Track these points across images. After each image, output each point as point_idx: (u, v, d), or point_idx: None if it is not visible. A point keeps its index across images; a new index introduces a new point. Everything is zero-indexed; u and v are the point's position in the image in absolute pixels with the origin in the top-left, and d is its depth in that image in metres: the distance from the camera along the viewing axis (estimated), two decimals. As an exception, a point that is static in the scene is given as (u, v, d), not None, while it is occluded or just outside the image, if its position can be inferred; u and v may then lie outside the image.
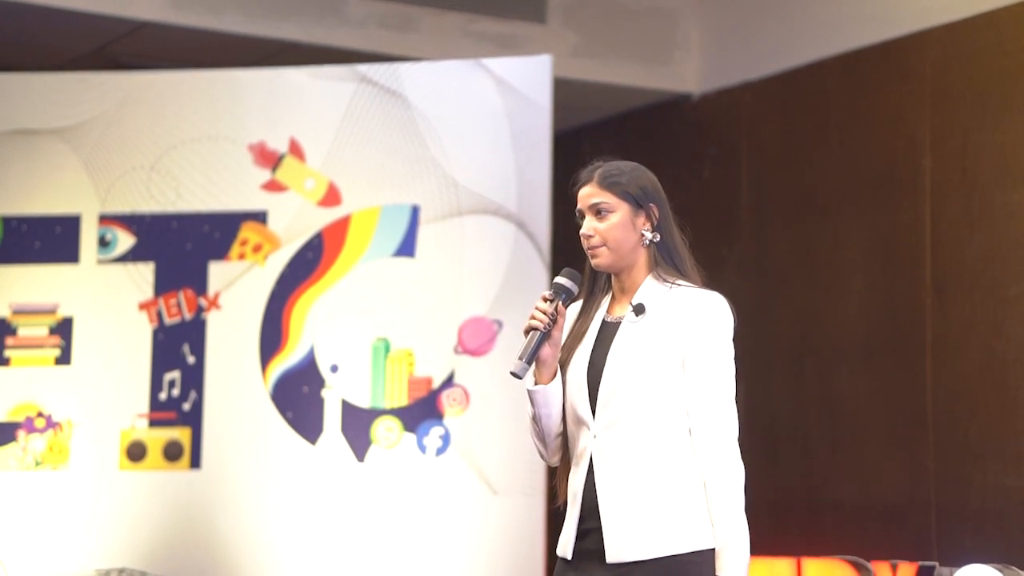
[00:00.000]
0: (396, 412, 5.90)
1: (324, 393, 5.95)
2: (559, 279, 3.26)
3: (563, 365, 3.27)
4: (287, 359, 5.98)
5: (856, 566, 5.40)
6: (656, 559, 3.09)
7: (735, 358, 3.27)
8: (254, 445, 5.96)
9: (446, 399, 5.89)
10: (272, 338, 6.00)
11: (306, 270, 6.03)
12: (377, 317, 5.97)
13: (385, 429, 5.91)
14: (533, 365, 3.23)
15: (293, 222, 6.06)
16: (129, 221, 6.14)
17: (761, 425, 6.79)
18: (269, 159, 6.10)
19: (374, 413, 5.92)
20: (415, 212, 6.01)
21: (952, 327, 6.09)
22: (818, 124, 6.78)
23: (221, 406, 5.99)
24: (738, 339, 3.43)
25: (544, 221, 5.95)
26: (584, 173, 3.28)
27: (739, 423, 3.37)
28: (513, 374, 3.19)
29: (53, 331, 6.09)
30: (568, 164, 8.06)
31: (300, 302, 6.01)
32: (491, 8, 6.98)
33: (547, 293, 3.24)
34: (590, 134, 7.97)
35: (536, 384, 3.25)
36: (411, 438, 5.89)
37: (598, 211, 3.23)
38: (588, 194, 3.25)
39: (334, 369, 5.96)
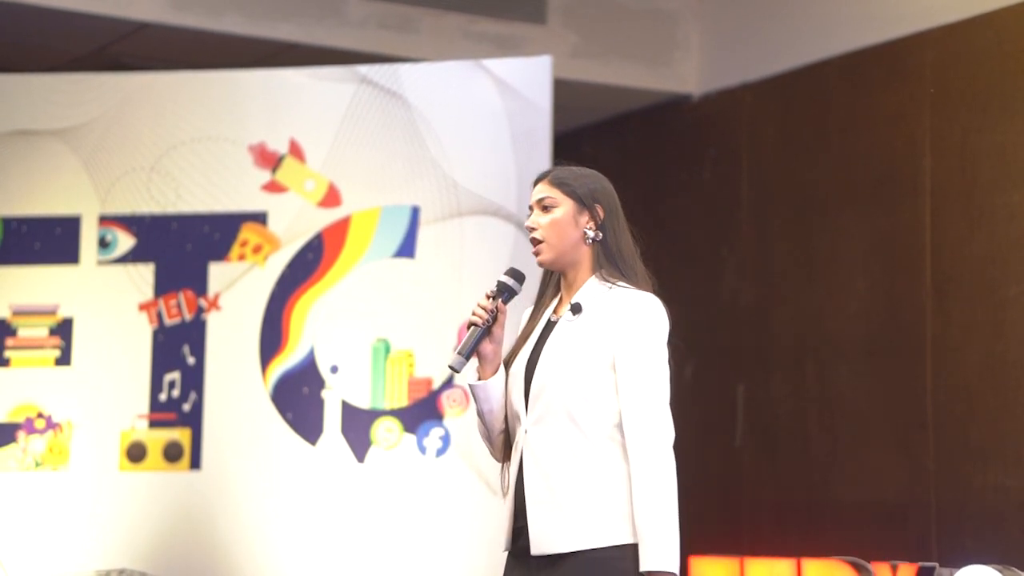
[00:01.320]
0: (396, 413, 5.90)
1: (324, 394, 5.96)
2: (502, 278, 3.37)
3: (508, 362, 3.37)
4: (287, 360, 5.98)
5: (856, 566, 5.40)
6: (579, 552, 3.16)
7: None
8: (254, 446, 5.96)
9: (446, 400, 5.89)
10: (272, 339, 6.00)
11: (306, 271, 6.03)
12: (377, 318, 5.97)
13: (385, 430, 5.91)
14: (473, 360, 3.32)
15: (293, 223, 6.07)
16: (129, 222, 6.14)
17: (761, 425, 6.79)
18: (269, 160, 6.10)
19: (374, 414, 5.92)
20: (415, 213, 6.01)
21: (952, 327, 6.09)
22: (818, 124, 6.78)
23: (221, 407, 5.99)
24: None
25: (544, 222, 5.95)
26: (541, 173, 3.42)
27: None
28: (450, 367, 3.30)
29: (53, 332, 6.09)
30: (568, 165, 8.06)
31: (300, 303, 6.01)
32: (491, 9, 6.98)
33: (490, 291, 3.35)
34: (590, 135, 7.97)
35: (478, 380, 3.34)
36: (411, 439, 5.89)
37: (544, 206, 3.35)
38: (538, 190, 3.38)
39: (334, 370, 5.96)
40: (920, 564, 5.33)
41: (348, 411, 5.94)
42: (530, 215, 3.36)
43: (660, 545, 3.10)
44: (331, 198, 6.07)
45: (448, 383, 5.90)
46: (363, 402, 5.93)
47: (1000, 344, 5.89)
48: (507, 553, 3.32)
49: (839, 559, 5.49)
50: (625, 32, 7.29)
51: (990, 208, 5.98)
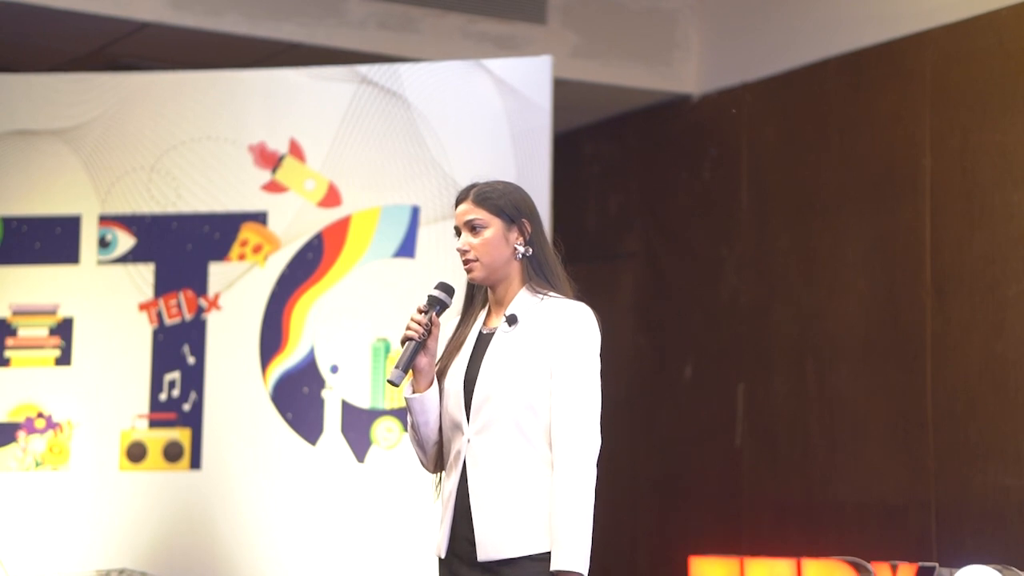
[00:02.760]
0: (396, 413, 5.90)
1: (324, 394, 5.96)
2: (433, 292, 3.43)
3: (440, 375, 3.44)
4: (287, 360, 5.98)
5: (856, 566, 5.40)
6: (524, 557, 3.26)
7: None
8: (254, 446, 5.96)
9: (446, 400, 5.89)
10: (272, 339, 6.00)
11: (306, 271, 6.03)
12: (377, 318, 5.97)
13: (385, 430, 5.91)
14: (409, 373, 3.39)
15: (293, 223, 6.07)
16: (129, 222, 6.14)
17: (761, 425, 6.79)
18: (269, 160, 6.10)
19: (374, 414, 5.93)
20: (415, 213, 6.01)
21: (952, 327, 6.09)
22: (818, 124, 6.78)
23: (221, 407, 5.99)
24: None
25: (544, 222, 5.95)
26: (461, 192, 3.46)
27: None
28: (390, 381, 3.37)
29: (53, 332, 6.09)
30: (568, 165, 8.08)
31: (300, 303, 6.01)
32: (491, 9, 6.99)
33: (422, 305, 3.41)
34: (590, 135, 7.97)
35: (413, 392, 3.41)
36: (411, 439, 5.88)
37: (473, 227, 3.41)
38: (464, 211, 3.42)
39: (334, 370, 5.96)
40: (920, 564, 5.34)
41: (348, 411, 5.94)
42: (458, 236, 3.42)
43: (571, 547, 3.20)
44: (331, 198, 6.08)
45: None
46: (363, 402, 5.94)
47: (1000, 344, 5.90)
48: (440, 560, 3.41)
49: (839, 559, 5.49)
50: (625, 32, 7.29)
51: (990, 208, 5.98)
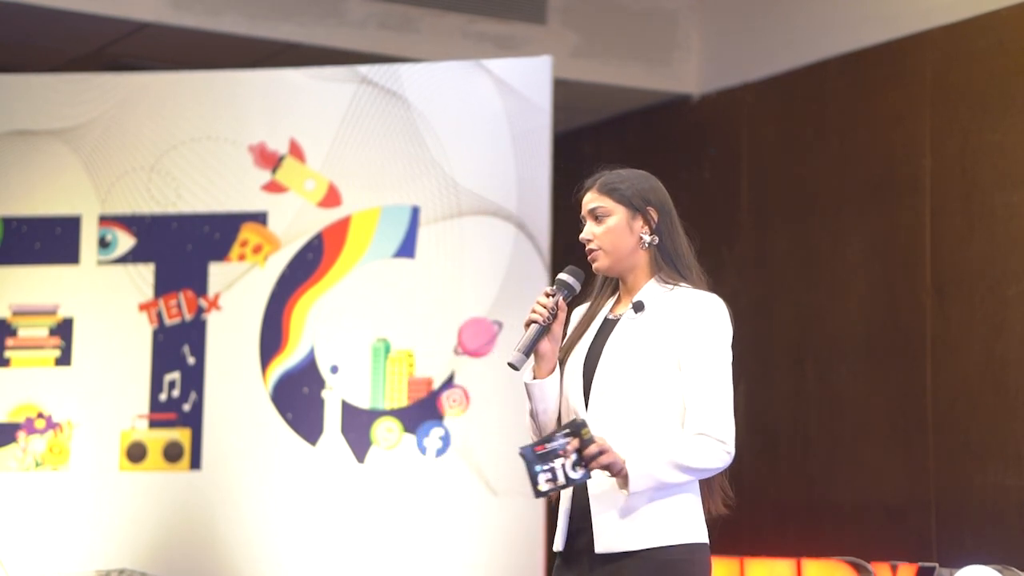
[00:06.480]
0: (396, 413, 5.90)
1: (324, 394, 5.96)
2: (562, 275, 3.31)
3: (563, 361, 3.31)
4: (287, 360, 5.98)
5: (856, 567, 5.40)
6: (646, 550, 3.13)
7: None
8: (254, 446, 5.96)
9: (446, 400, 5.89)
10: (272, 339, 6.00)
11: (306, 271, 6.03)
12: (377, 318, 5.97)
13: (385, 430, 5.91)
14: (531, 358, 3.26)
15: (293, 223, 6.07)
16: (129, 222, 6.14)
17: (761, 425, 6.79)
18: (269, 160, 6.10)
19: (374, 414, 5.93)
20: (415, 213, 6.01)
21: (952, 327, 6.09)
22: (818, 124, 6.78)
23: (221, 407, 5.99)
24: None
25: (544, 222, 5.96)
26: (588, 181, 3.39)
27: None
28: (510, 364, 3.23)
29: (53, 332, 6.09)
30: (568, 165, 8.08)
31: (300, 303, 6.01)
32: (491, 9, 6.99)
33: (549, 288, 3.29)
34: (590, 135, 7.97)
35: (534, 378, 3.28)
36: (411, 439, 5.89)
37: (596, 216, 3.33)
38: (588, 200, 3.35)
39: (334, 370, 5.96)
40: (920, 564, 5.34)
41: (348, 411, 5.94)
42: (583, 226, 3.32)
43: (649, 467, 3.10)
44: (331, 198, 6.08)
45: (448, 383, 5.91)
46: (363, 402, 5.93)
47: (1000, 344, 5.90)
48: (559, 554, 3.26)
49: (839, 559, 5.49)
50: (625, 32, 7.29)
51: (990, 208, 5.98)
